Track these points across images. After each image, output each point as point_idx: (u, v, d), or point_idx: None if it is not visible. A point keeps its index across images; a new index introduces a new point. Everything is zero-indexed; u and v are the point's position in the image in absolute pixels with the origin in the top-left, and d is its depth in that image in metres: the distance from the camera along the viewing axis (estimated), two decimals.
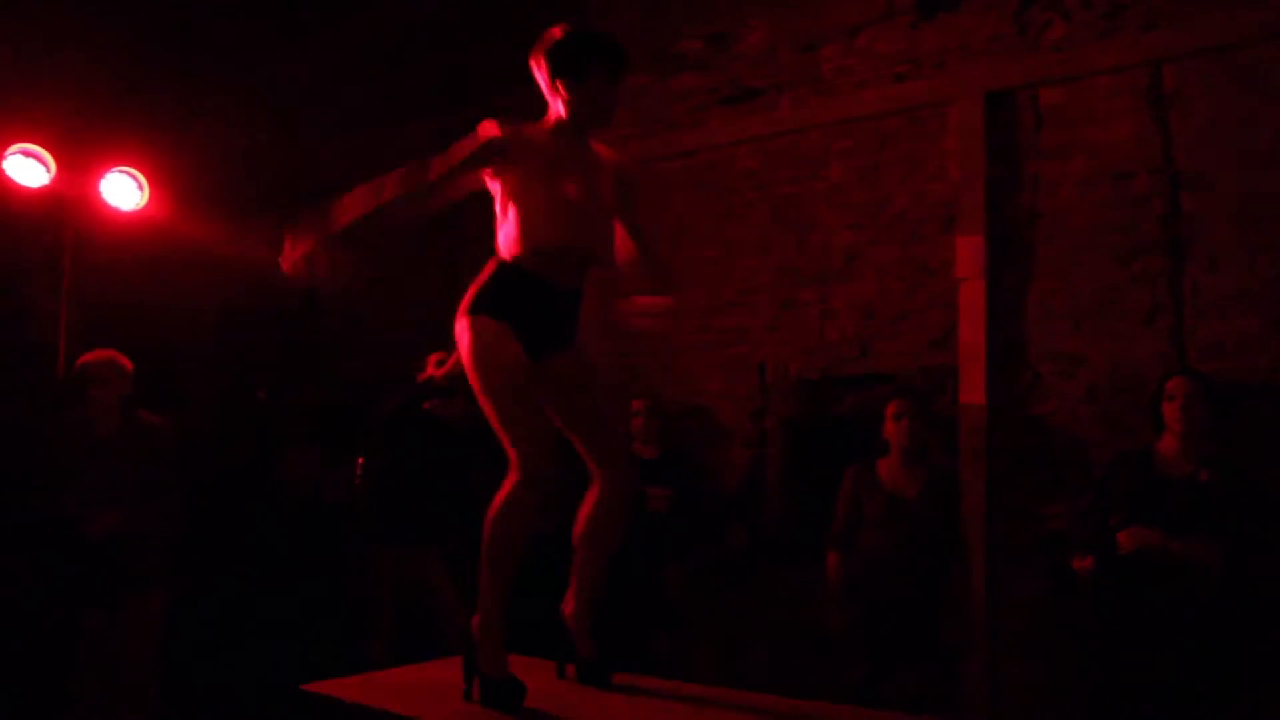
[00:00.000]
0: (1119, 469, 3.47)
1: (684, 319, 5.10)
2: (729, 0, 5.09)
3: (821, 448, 4.65)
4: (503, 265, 2.55)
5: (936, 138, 4.47)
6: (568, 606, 2.71)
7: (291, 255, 2.47)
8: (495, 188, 2.58)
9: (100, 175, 4.52)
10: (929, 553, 3.92)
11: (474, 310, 2.51)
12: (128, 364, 3.83)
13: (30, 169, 4.34)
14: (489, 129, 2.50)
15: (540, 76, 2.60)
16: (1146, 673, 3.24)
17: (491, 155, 2.51)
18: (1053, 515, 3.99)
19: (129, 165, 4.59)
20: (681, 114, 5.21)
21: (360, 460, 4.77)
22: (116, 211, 4.60)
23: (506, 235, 2.54)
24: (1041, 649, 4.01)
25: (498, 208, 2.59)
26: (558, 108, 2.59)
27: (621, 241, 2.73)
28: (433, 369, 4.21)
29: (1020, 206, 4.25)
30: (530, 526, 2.43)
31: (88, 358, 3.80)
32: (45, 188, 4.38)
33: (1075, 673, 3.72)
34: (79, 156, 4.46)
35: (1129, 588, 3.27)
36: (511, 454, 2.43)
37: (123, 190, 4.59)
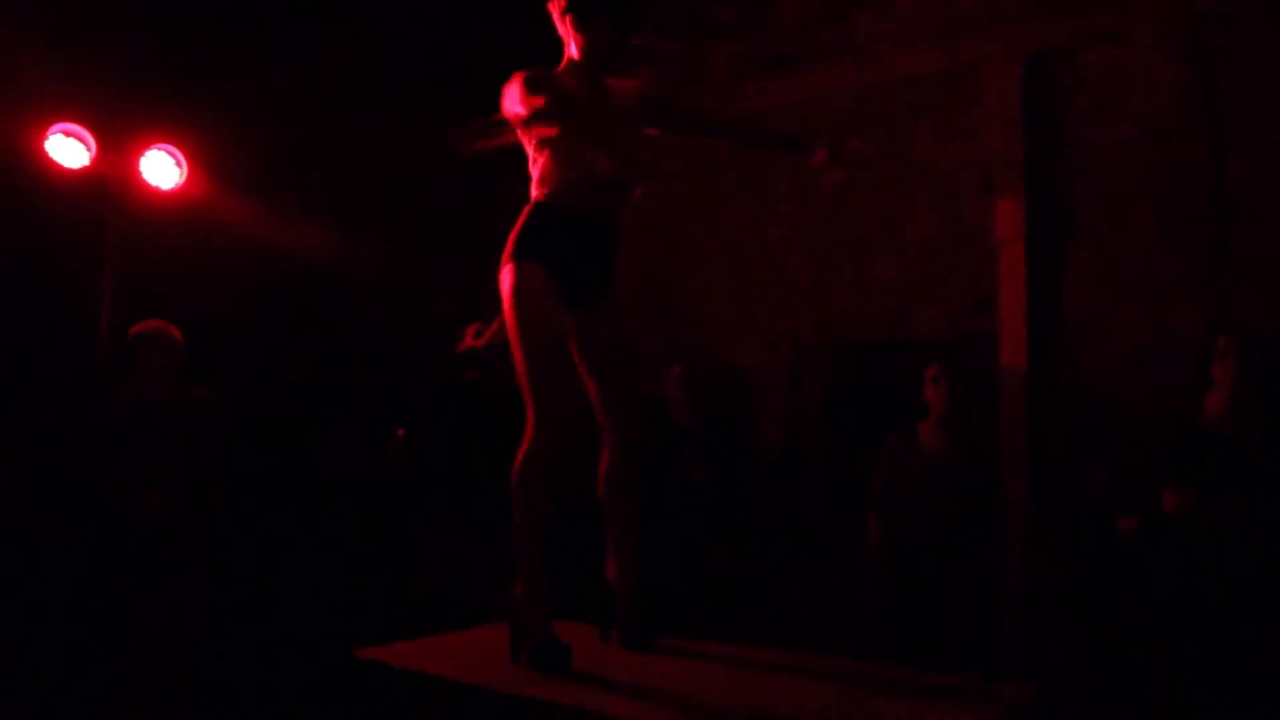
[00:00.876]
0: (1163, 429, 3.43)
1: (718, 286, 5.10)
2: None
3: (860, 414, 4.63)
4: (539, 205, 2.58)
5: (974, 100, 4.41)
6: (610, 570, 2.73)
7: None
8: (526, 134, 2.61)
9: (140, 154, 4.57)
10: (968, 515, 3.91)
11: (517, 256, 2.53)
12: (178, 334, 3.85)
13: (71, 149, 4.39)
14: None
15: (555, 14, 2.63)
16: (1189, 633, 3.21)
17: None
18: (1094, 477, 3.96)
19: (168, 144, 4.64)
20: (716, 81, 5.17)
21: (400, 433, 4.80)
22: (156, 190, 4.65)
23: (541, 174, 2.58)
24: (1082, 610, 4.00)
25: (531, 151, 2.62)
26: (571, 49, 2.63)
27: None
28: (471, 340, 4.24)
29: (1060, 168, 4.19)
30: (552, 483, 2.46)
31: (139, 327, 3.82)
32: (86, 167, 4.43)
33: (1116, 634, 3.71)
34: (119, 136, 4.51)
35: (1173, 548, 3.25)
36: (530, 407, 2.46)
37: (162, 169, 4.64)
